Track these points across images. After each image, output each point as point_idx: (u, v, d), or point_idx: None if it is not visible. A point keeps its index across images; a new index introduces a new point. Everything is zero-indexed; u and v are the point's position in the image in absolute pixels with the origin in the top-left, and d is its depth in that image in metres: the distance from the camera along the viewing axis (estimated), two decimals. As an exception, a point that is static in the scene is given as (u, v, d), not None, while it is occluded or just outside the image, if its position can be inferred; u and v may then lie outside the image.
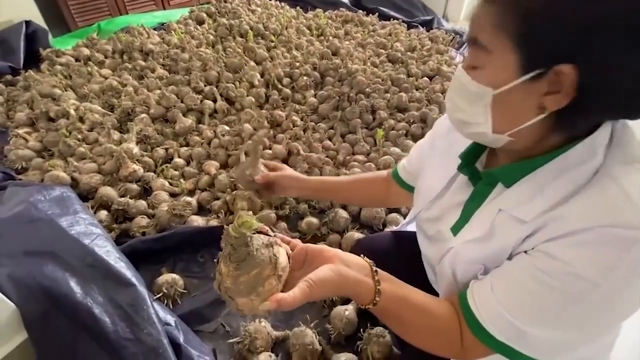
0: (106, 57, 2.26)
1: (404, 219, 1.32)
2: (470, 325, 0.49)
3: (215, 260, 1.21)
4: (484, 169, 0.58)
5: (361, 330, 0.96)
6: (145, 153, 1.58)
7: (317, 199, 1.26)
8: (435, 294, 0.65)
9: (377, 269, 0.50)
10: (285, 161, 1.61)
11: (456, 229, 0.58)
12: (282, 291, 0.44)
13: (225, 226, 0.43)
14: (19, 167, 1.49)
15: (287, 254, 0.48)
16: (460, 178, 0.60)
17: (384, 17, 3.02)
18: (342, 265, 0.47)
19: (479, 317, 0.48)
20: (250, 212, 0.47)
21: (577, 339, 0.44)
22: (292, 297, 0.42)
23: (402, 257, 0.79)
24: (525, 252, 0.46)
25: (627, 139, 0.44)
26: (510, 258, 0.49)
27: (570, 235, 0.41)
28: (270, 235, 0.48)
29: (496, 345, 0.47)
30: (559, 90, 0.40)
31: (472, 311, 0.49)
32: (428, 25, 2.99)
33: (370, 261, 0.51)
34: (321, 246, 0.49)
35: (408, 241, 0.77)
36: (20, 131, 1.66)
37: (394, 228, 1.27)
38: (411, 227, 0.90)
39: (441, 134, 0.67)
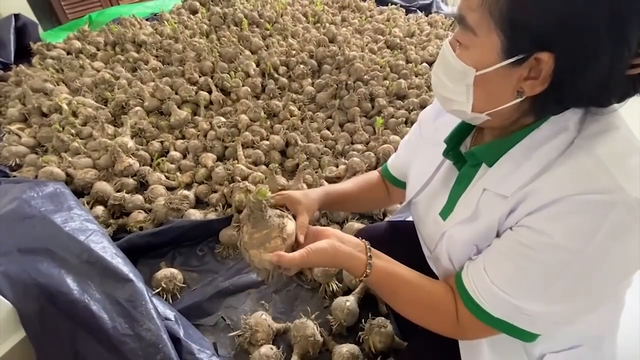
0: (98, 50, 2.22)
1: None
2: (467, 304, 0.50)
3: (214, 252, 1.22)
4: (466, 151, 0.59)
5: (362, 320, 0.95)
6: (141, 147, 1.56)
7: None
8: (435, 278, 0.65)
9: (372, 248, 0.56)
10: (283, 152, 1.59)
11: (445, 213, 0.59)
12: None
13: (247, 194, 0.50)
14: (13, 164, 1.47)
15: (296, 228, 0.60)
16: (447, 164, 0.62)
17: (381, 2, 2.95)
18: (338, 241, 0.55)
19: (474, 296, 0.49)
20: (267, 186, 0.59)
21: (572, 309, 0.45)
22: (291, 256, 0.52)
23: (399, 245, 0.79)
24: (511, 228, 0.47)
25: (603, 110, 0.45)
26: (498, 236, 0.50)
27: (546, 207, 0.42)
28: (284, 211, 0.61)
29: (494, 322, 0.48)
30: (537, 76, 0.42)
31: (467, 290, 0.50)
32: (427, 9, 2.93)
33: (366, 241, 0.57)
34: (325, 227, 0.60)
35: (405, 230, 0.77)
36: (13, 127, 1.63)
37: (388, 217, 1.27)
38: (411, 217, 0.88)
39: (427, 122, 0.69)
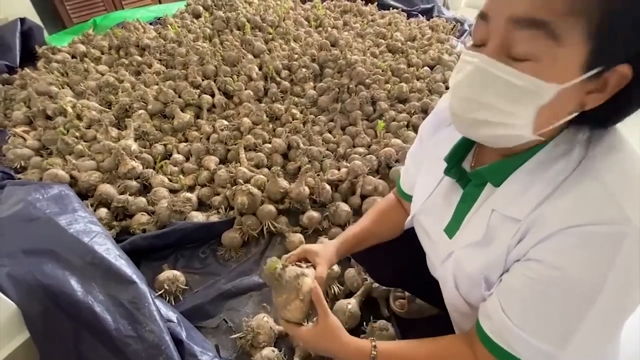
0: (102, 53, 2.24)
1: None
2: (496, 354, 0.47)
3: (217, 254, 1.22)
4: (471, 169, 0.56)
5: (364, 323, 0.95)
6: (144, 149, 1.57)
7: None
8: (435, 284, 0.65)
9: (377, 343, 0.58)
10: (285, 155, 1.60)
11: (450, 231, 0.57)
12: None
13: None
14: (18, 166, 1.48)
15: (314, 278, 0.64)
16: (448, 179, 0.59)
17: (383, 6, 2.97)
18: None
19: (504, 346, 0.46)
20: (275, 258, 0.62)
21: (598, 342, 0.43)
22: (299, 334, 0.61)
23: (400, 242, 0.78)
24: (518, 260, 0.45)
25: (609, 129, 0.43)
26: (507, 266, 0.47)
27: (553, 236, 0.40)
28: (302, 266, 0.64)
29: None
30: (604, 89, 0.39)
31: (494, 341, 0.47)
32: (428, 13, 2.94)
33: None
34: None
35: (407, 234, 0.76)
36: (18, 130, 1.65)
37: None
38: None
39: (427, 137, 0.66)
